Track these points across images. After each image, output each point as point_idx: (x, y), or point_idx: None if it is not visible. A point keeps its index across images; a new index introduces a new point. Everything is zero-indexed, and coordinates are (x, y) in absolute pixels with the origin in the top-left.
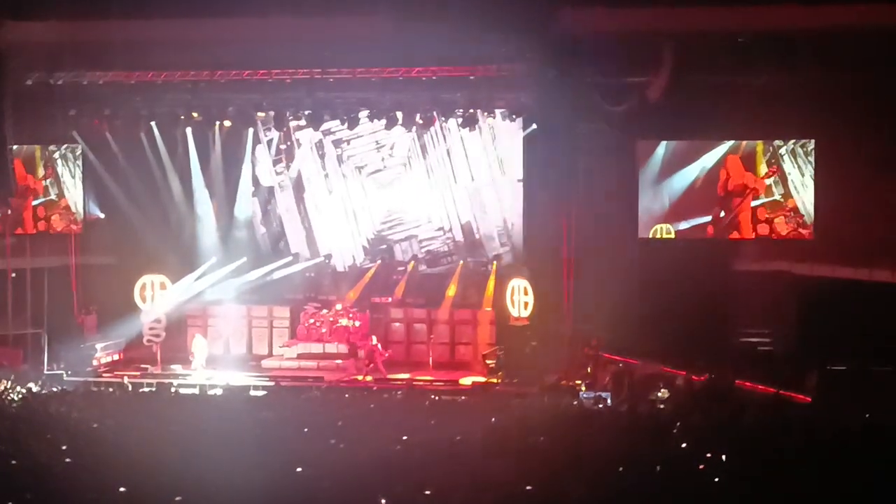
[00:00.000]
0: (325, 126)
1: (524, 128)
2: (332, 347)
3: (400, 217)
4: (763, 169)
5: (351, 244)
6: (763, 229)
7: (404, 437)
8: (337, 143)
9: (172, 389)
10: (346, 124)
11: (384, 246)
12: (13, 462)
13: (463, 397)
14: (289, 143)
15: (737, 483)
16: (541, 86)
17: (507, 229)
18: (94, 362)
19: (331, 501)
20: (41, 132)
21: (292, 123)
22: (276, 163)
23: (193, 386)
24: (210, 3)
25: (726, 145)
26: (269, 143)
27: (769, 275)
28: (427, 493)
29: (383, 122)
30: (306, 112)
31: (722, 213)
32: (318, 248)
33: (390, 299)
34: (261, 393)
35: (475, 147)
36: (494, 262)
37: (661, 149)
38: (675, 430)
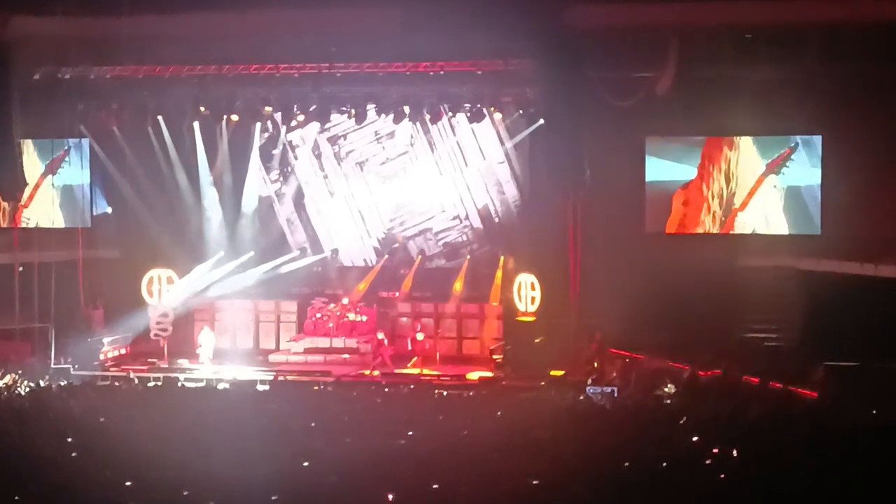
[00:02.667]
0: (319, 124)
1: (530, 123)
2: (338, 342)
3: (410, 210)
4: None
5: (361, 247)
6: None
7: (410, 432)
8: (333, 140)
9: (179, 384)
10: (353, 119)
11: (396, 245)
12: (20, 456)
13: (470, 392)
14: (283, 147)
15: (742, 478)
16: (547, 81)
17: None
18: (101, 356)
19: (338, 496)
20: (49, 126)
21: (285, 126)
22: (269, 171)
23: (200, 380)
24: None
25: None
26: (264, 150)
27: (775, 270)
28: (434, 487)
29: (389, 116)
30: (311, 108)
31: None
32: (325, 250)
33: (397, 294)
34: (267, 387)
35: (485, 129)
36: (502, 257)
37: None
38: (681, 425)
